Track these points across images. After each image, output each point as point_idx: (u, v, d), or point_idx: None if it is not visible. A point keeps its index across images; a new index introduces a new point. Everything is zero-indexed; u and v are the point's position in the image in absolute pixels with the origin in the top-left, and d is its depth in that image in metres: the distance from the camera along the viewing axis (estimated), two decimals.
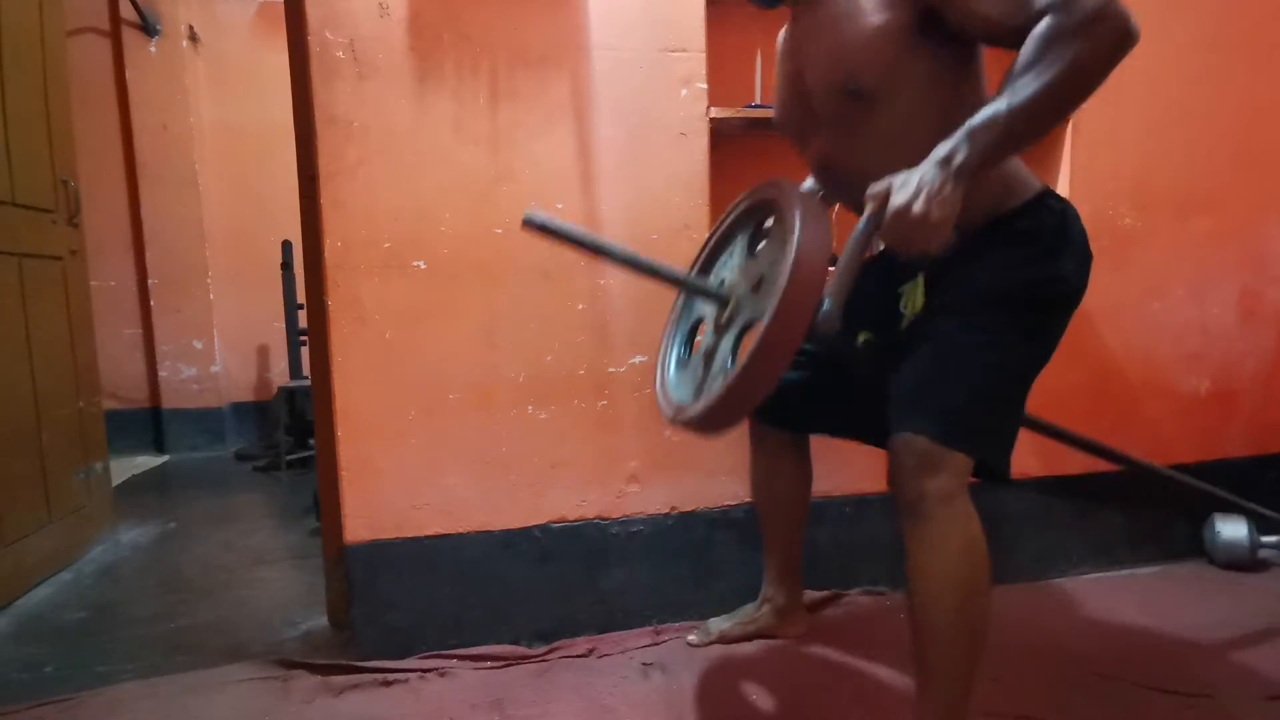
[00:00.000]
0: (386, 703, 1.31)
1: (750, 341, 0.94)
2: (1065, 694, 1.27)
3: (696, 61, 1.50)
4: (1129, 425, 1.79)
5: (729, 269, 1.18)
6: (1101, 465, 1.79)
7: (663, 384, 1.21)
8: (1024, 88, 0.86)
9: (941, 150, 0.89)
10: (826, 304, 0.96)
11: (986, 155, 0.88)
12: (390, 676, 1.38)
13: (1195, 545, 1.84)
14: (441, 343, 1.43)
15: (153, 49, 3.44)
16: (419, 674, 1.39)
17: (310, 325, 1.53)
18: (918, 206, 0.88)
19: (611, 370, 1.51)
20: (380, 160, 1.38)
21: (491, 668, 1.41)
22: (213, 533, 2.36)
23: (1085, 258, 1.08)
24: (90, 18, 3.40)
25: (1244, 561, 1.76)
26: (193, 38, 3.55)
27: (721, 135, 1.57)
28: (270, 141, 3.55)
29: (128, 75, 3.43)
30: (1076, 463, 1.75)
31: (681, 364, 1.23)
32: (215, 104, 3.65)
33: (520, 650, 1.46)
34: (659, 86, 1.49)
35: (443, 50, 1.39)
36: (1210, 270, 1.81)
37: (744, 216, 1.20)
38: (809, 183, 1.32)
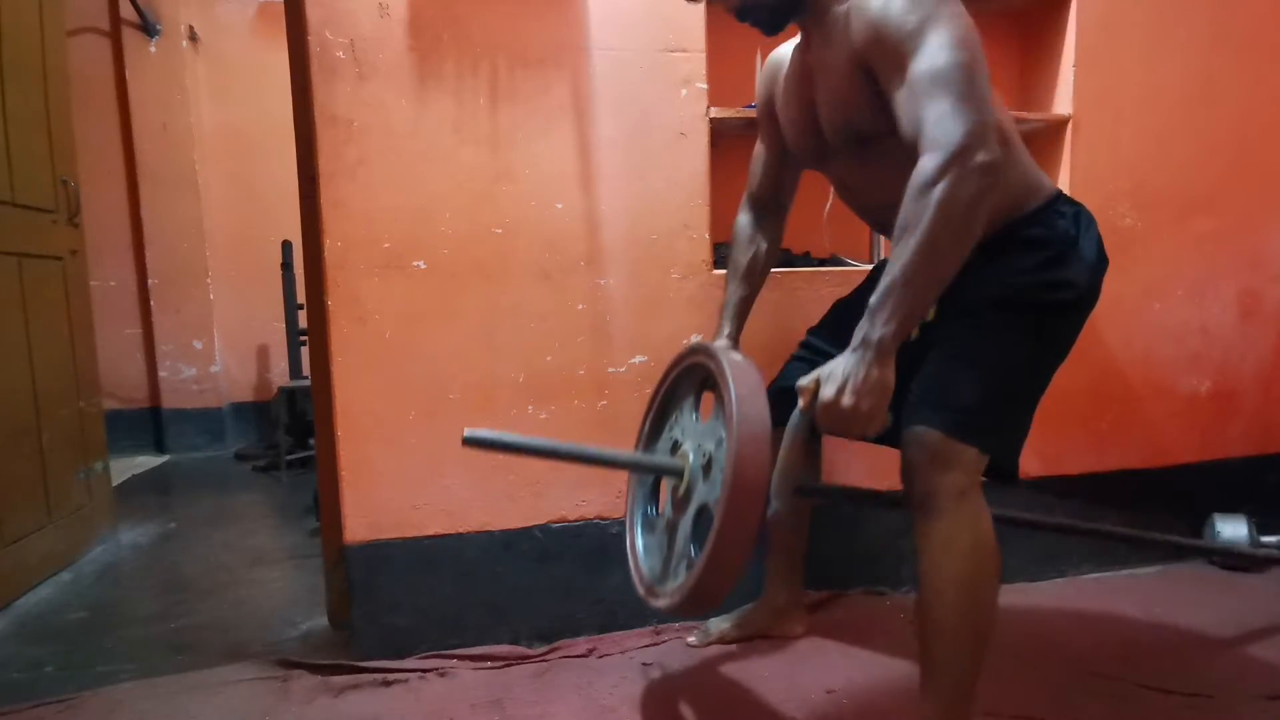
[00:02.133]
0: (386, 703, 1.31)
1: (709, 537, 0.97)
2: (1065, 694, 1.27)
3: (696, 61, 1.50)
4: (1129, 425, 1.79)
5: (680, 430, 1.23)
6: (1101, 465, 1.79)
7: (632, 548, 1.26)
8: (904, 250, 0.87)
9: (856, 337, 0.91)
10: (773, 506, 0.99)
11: (897, 323, 0.88)
12: (390, 676, 1.38)
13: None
14: (441, 343, 1.43)
15: (153, 49, 3.44)
16: (419, 674, 1.39)
17: (310, 325, 1.53)
18: (846, 400, 0.90)
19: (611, 370, 1.51)
20: (380, 160, 1.38)
21: (491, 668, 1.41)
22: (213, 533, 2.36)
23: (1099, 262, 1.09)
24: (90, 18, 3.40)
25: (1244, 561, 1.76)
26: (193, 38, 3.55)
27: (721, 135, 1.57)
28: (270, 141, 3.55)
29: (128, 75, 3.43)
30: (1076, 463, 1.76)
31: (649, 526, 1.28)
32: (215, 104, 3.66)
33: (520, 650, 1.46)
34: (659, 86, 1.49)
35: (443, 50, 1.39)
36: (1210, 270, 1.81)
37: (684, 376, 1.25)
38: (721, 342, 1.33)
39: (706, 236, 1.53)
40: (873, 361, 0.89)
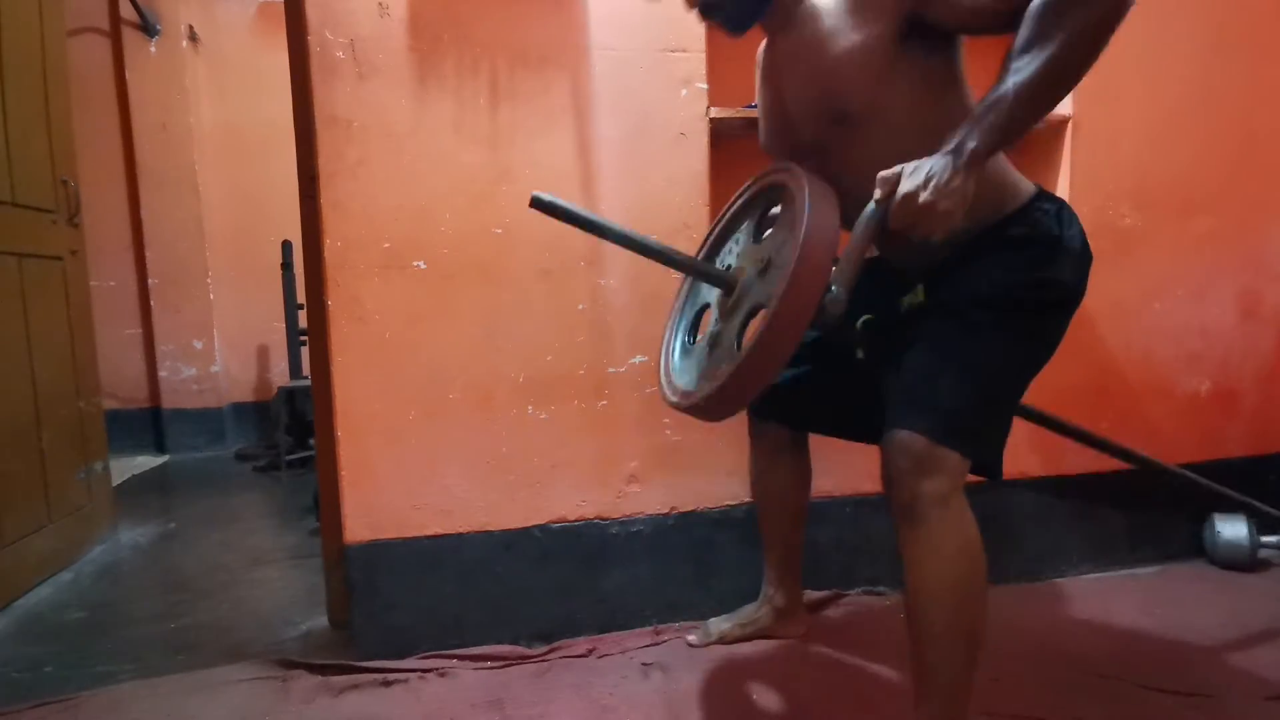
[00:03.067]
0: (386, 703, 1.31)
1: (756, 326, 0.93)
2: (1065, 694, 1.27)
3: (696, 61, 1.50)
4: (1129, 425, 1.79)
5: (734, 255, 1.18)
6: (1101, 465, 1.79)
7: (666, 370, 1.20)
8: (1026, 66, 0.86)
9: (951, 140, 0.90)
10: (833, 289, 0.96)
11: (995, 138, 0.89)
12: (390, 676, 1.38)
13: (1195, 545, 1.84)
14: (441, 343, 1.43)
15: (153, 49, 3.44)
16: (419, 674, 1.39)
17: (310, 325, 1.53)
18: (925, 195, 0.89)
19: (611, 370, 1.51)
20: (380, 160, 1.38)
21: (491, 668, 1.41)
22: (213, 533, 2.36)
23: (1083, 259, 1.08)
24: (90, 18, 3.40)
25: (1244, 561, 1.76)
26: (193, 38, 3.55)
27: (721, 135, 1.57)
28: (270, 141, 3.55)
29: (128, 75, 3.43)
30: (1076, 463, 1.76)
31: (686, 352, 1.23)
32: (215, 104, 3.66)
33: (520, 650, 1.46)
34: (659, 86, 1.49)
35: (443, 50, 1.39)
36: (1210, 270, 1.81)
37: (751, 201, 1.19)
38: None
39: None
40: (961, 168, 0.89)
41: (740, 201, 1.21)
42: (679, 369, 1.20)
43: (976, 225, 1.06)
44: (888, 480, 1.00)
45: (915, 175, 0.91)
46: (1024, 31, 0.88)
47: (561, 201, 1.02)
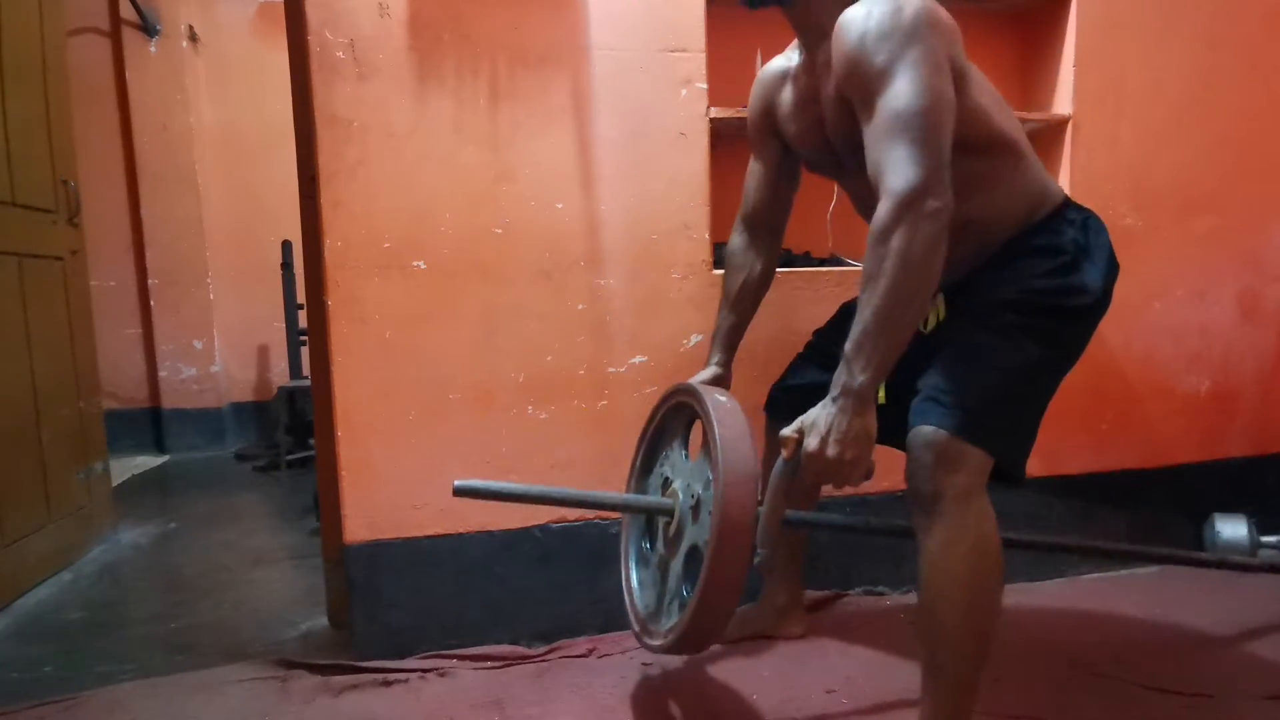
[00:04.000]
0: (386, 703, 1.31)
1: (698, 583, 1.01)
2: (1065, 694, 1.27)
3: (696, 61, 1.50)
4: (1129, 425, 1.79)
5: (669, 467, 1.27)
6: (1101, 465, 1.79)
7: (627, 583, 1.31)
8: (872, 296, 0.90)
9: (834, 387, 0.93)
10: (759, 555, 1.01)
11: (876, 368, 0.91)
12: (390, 676, 1.38)
13: (1195, 545, 1.84)
14: (441, 343, 1.43)
15: (153, 49, 3.44)
16: (419, 674, 1.39)
17: (310, 325, 1.53)
18: (830, 450, 0.92)
19: (611, 370, 1.51)
20: (380, 160, 1.38)
21: (491, 668, 1.41)
22: (213, 533, 2.36)
23: (1111, 268, 1.10)
24: (90, 18, 3.40)
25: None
26: (193, 38, 3.55)
27: (721, 135, 1.57)
28: (270, 141, 3.55)
29: (128, 75, 3.43)
30: (1076, 463, 1.76)
31: (643, 561, 1.33)
32: (215, 104, 3.66)
33: (520, 650, 1.46)
34: (659, 86, 1.49)
35: (443, 50, 1.39)
36: (1210, 270, 1.81)
37: (672, 413, 1.29)
38: (709, 371, 1.33)
39: (706, 236, 1.53)
40: (854, 410, 0.92)
41: (660, 414, 1.31)
42: (638, 585, 1.31)
43: (1004, 232, 1.07)
44: (910, 475, 1.00)
45: (815, 430, 0.94)
46: (864, 261, 0.91)
47: (482, 485, 1.10)
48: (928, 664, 1.01)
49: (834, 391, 0.93)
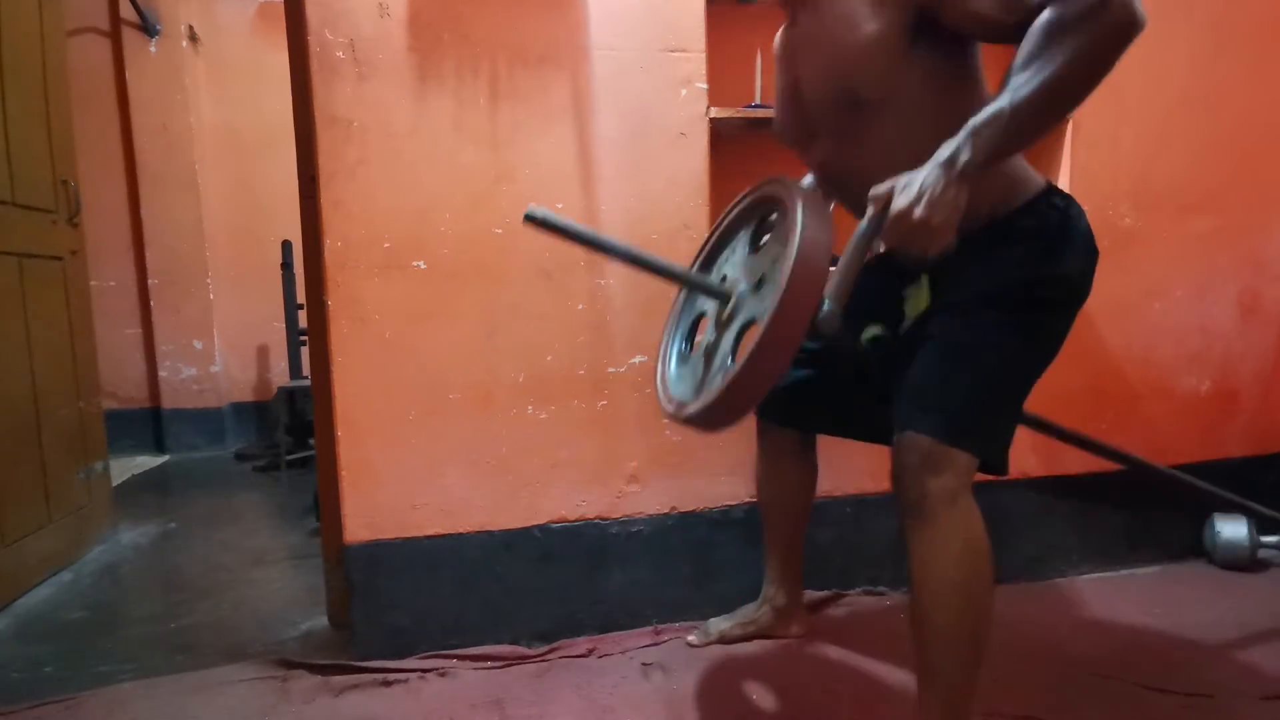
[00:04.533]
0: (386, 703, 1.31)
1: (751, 339, 0.93)
2: (1065, 694, 1.27)
3: (696, 61, 1.50)
4: (1129, 425, 1.79)
5: (731, 265, 1.18)
6: (1101, 465, 1.79)
7: (663, 380, 1.20)
8: (1026, 83, 0.85)
9: (944, 151, 0.89)
10: (826, 305, 0.95)
11: (990, 154, 0.88)
12: (390, 676, 1.38)
13: (1195, 545, 1.84)
14: (441, 343, 1.43)
15: (153, 49, 3.44)
16: (419, 674, 1.39)
17: (310, 325, 1.53)
18: (919, 211, 0.88)
19: (611, 370, 1.51)
20: (380, 160, 1.38)
21: (491, 668, 1.41)
22: (213, 533, 2.36)
23: (1090, 256, 1.08)
24: (90, 18, 3.40)
25: (1244, 561, 1.76)
26: (193, 38, 3.55)
27: (721, 135, 1.57)
28: (270, 141, 3.55)
29: (128, 75, 3.43)
30: (1076, 463, 1.76)
31: (682, 360, 1.23)
32: (215, 104, 3.66)
33: (520, 650, 1.46)
34: (659, 86, 1.49)
35: (443, 50, 1.39)
36: (1210, 270, 1.81)
37: (747, 212, 1.19)
38: (810, 179, 1.31)
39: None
40: (954, 179, 0.88)
41: (736, 211, 1.21)
42: (675, 378, 1.20)
43: (985, 215, 1.06)
44: (897, 479, 1.00)
45: (908, 190, 0.90)
46: (1026, 46, 0.86)
47: (555, 216, 1.02)
48: (923, 667, 1.01)
49: (940, 157, 0.89)
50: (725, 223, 1.22)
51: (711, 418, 1.02)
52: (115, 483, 2.52)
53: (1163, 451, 1.82)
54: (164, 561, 2.11)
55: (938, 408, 0.98)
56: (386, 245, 1.39)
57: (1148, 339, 1.79)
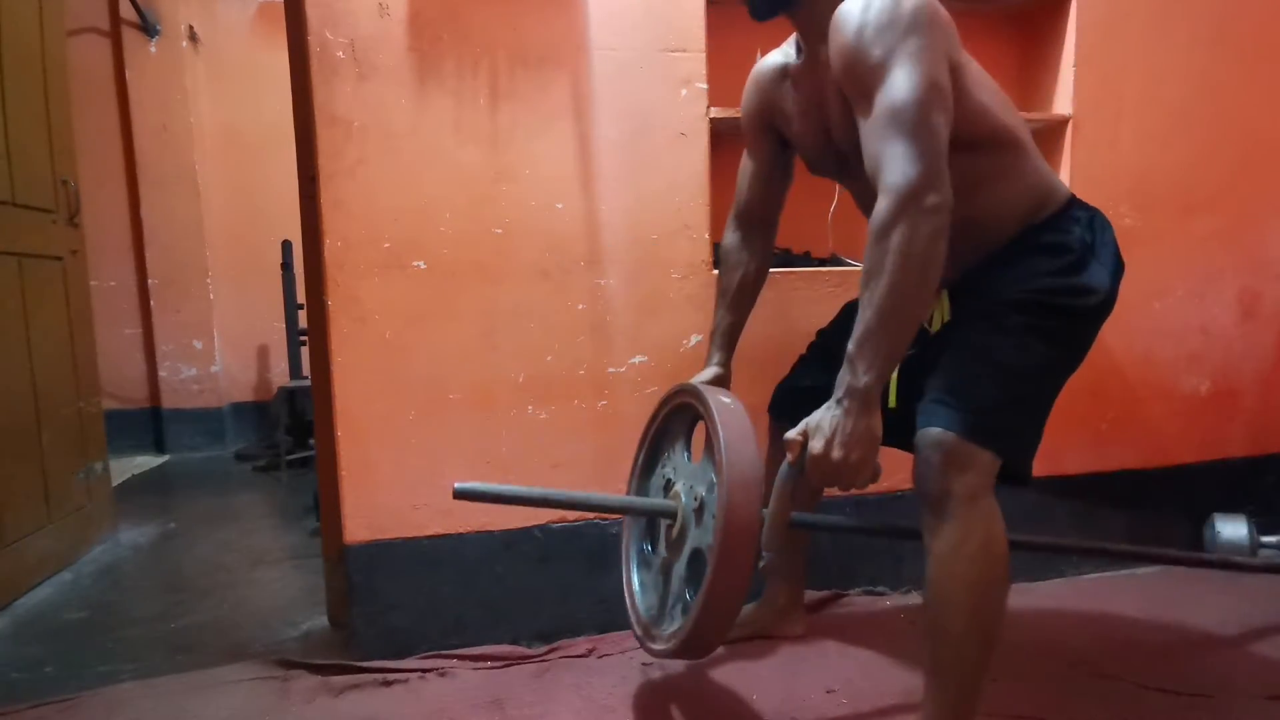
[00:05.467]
0: (386, 703, 1.31)
1: (704, 582, 1.00)
2: (1065, 694, 1.27)
3: (696, 61, 1.50)
4: (1129, 425, 1.79)
5: (672, 468, 1.26)
6: (1101, 465, 1.79)
7: (628, 585, 1.30)
8: (874, 294, 0.89)
9: (839, 389, 0.92)
10: (764, 559, 1.01)
11: (879, 368, 0.90)
12: (390, 676, 1.38)
13: (1195, 545, 1.84)
14: (441, 343, 1.43)
15: (153, 49, 3.44)
16: (419, 674, 1.39)
17: (310, 325, 1.53)
18: (835, 453, 0.92)
19: (611, 370, 1.51)
20: (380, 160, 1.38)
21: (491, 668, 1.41)
22: (213, 533, 2.36)
23: (1117, 267, 1.10)
24: (90, 18, 3.40)
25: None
26: (193, 38, 3.55)
27: (721, 135, 1.57)
28: (270, 141, 3.55)
29: (128, 75, 3.43)
30: (1076, 462, 1.76)
31: (644, 563, 1.32)
32: (215, 104, 3.65)
33: (520, 650, 1.46)
34: (659, 86, 1.49)
35: (443, 50, 1.39)
36: (1210, 270, 1.81)
37: (674, 414, 1.27)
38: (709, 371, 1.32)
39: (706, 237, 1.53)
40: (858, 411, 0.91)
41: (662, 415, 1.30)
42: (640, 588, 1.30)
43: (1011, 228, 1.07)
44: (919, 475, 1.00)
45: (818, 435, 0.93)
46: (864, 259, 0.90)
47: (482, 486, 1.08)
48: (931, 665, 1.01)
49: (838, 393, 0.92)
50: (655, 425, 1.32)
51: (680, 656, 1.14)
52: (115, 483, 2.52)
53: (1163, 452, 1.82)
54: (164, 561, 2.11)
55: (962, 405, 0.98)
56: (386, 245, 1.39)
57: (1148, 339, 1.79)
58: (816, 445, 0.93)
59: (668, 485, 1.22)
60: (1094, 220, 1.09)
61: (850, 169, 1.13)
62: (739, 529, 0.97)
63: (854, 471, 0.93)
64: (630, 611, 1.27)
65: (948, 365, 1.03)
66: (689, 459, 1.23)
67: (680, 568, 1.13)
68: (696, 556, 1.09)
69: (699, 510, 1.09)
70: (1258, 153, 1.82)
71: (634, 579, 1.31)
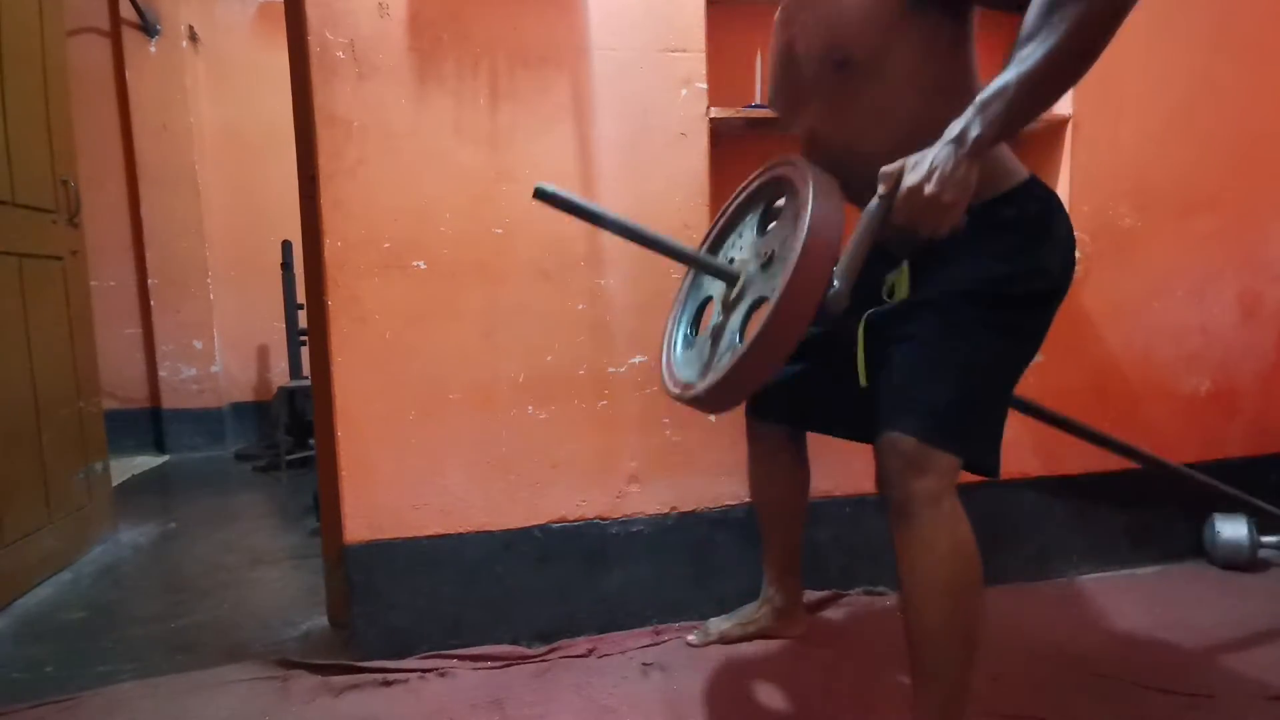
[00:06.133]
0: (386, 703, 1.31)
1: (759, 319, 0.93)
2: (1065, 694, 1.27)
3: (696, 61, 1.50)
4: (1129, 425, 1.79)
5: (738, 248, 1.18)
6: (1102, 465, 1.79)
7: (668, 363, 1.20)
8: (1029, 56, 0.85)
9: (954, 129, 0.89)
10: (836, 284, 0.94)
11: (999, 128, 0.87)
12: (390, 676, 1.38)
13: (1195, 545, 1.85)
14: (441, 343, 1.43)
15: (153, 49, 3.44)
16: (419, 674, 1.39)
17: (310, 325, 1.53)
18: (930, 188, 0.88)
19: (611, 370, 1.51)
20: (380, 160, 1.38)
21: (491, 668, 1.41)
22: (213, 533, 2.36)
23: (1069, 248, 1.07)
24: (90, 18, 3.40)
25: (1244, 561, 1.76)
26: (193, 38, 3.55)
27: (721, 135, 1.57)
28: (270, 141, 3.55)
29: (128, 75, 3.43)
30: (1076, 463, 1.76)
31: (688, 344, 1.23)
32: (215, 104, 3.65)
33: (520, 650, 1.46)
34: (659, 86, 1.49)
35: (443, 50, 1.39)
36: (1210, 270, 1.81)
37: (756, 194, 1.19)
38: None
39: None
40: (964, 157, 0.87)
41: (745, 194, 1.20)
42: (680, 362, 1.20)
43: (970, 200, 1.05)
44: (881, 481, 1.00)
45: (918, 168, 0.89)
46: (1028, 20, 0.87)
47: (564, 193, 1.01)
48: (916, 667, 1.01)
49: (951, 134, 0.88)
50: (733, 206, 1.21)
51: (718, 396, 1.02)
52: (115, 483, 2.52)
53: (1163, 452, 1.81)
54: (164, 561, 2.11)
55: (919, 408, 0.97)
56: (386, 245, 1.39)
57: (1148, 339, 1.79)
58: (913, 178, 0.89)
59: (731, 264, 1.14)
60: (1050, 200, 1.08)
61: (805, 95, 1.10)
62: (821, 242, 0.91)
63: (943, 212, 0.89)
64: (666, 379, 1.17)
65: (903, 365, 1.02)
66: (759, 236, 1.14)
67: (735, 322, 1.05)
68: (758, 306, 1.01)
69: (767, 263, 1.02)
70: (1258, 153, 1.82)
71: (676, 354, 1.21)
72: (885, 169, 0.93)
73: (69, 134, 2.14)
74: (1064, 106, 1.71)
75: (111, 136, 3.47)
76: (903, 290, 1.06)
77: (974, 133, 0.87)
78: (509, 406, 1.47)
